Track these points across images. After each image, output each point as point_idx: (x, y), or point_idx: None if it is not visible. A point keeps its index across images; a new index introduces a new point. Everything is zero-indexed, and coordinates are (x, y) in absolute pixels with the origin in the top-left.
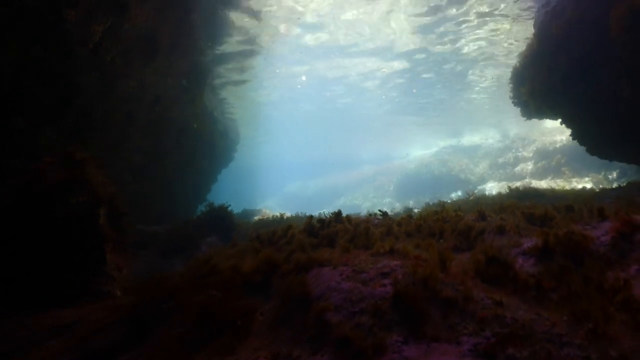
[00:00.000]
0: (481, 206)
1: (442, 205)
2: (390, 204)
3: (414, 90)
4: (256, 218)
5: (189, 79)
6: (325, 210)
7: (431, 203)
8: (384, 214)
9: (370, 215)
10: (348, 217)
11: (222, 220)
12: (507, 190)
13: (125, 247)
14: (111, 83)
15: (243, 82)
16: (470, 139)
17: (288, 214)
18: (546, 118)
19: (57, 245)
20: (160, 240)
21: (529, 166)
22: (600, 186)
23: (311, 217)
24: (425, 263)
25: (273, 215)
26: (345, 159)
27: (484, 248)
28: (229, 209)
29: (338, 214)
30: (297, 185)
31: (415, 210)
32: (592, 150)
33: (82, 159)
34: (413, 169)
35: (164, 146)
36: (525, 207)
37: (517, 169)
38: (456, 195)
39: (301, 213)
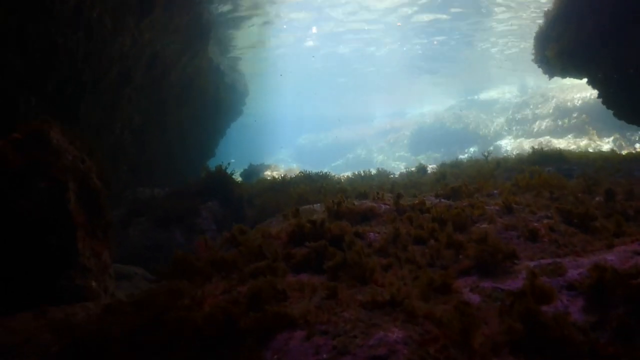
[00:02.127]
0: (503, 180)
1: (463, 182)
2: (404, 158)
3: (435, 42)
4: (267, 173)
5: (190, 33)
6: (339, 161)
7: (447, 162)
8: (398, 197)
9: (377, 196)
10: (350, 207)
11: (221, 185)
12: (528, 150)
13: (105, 228)
14: (101, 43)
15: (251, 29)
16: (487, 93)
17: (296, 168)
18: (571, 77)
19: (19, 240)
20: (158, 205)
21: (548, 123)
22: (624, 151)
23: (297, 211)
24: (439, 331)
25: (273, 177)
26: (359, 116)
27: (520, 310)
28: (229, 170)
29: (338, 206)
30: (310, 138)
31: (429, 169)
32: (619, 115)
33: (48, 132)
34: (427, 123)
35: (165, 104)
36: (555, 185)
37: (535, 125)
38: (472, 150)
39: (309, 171)
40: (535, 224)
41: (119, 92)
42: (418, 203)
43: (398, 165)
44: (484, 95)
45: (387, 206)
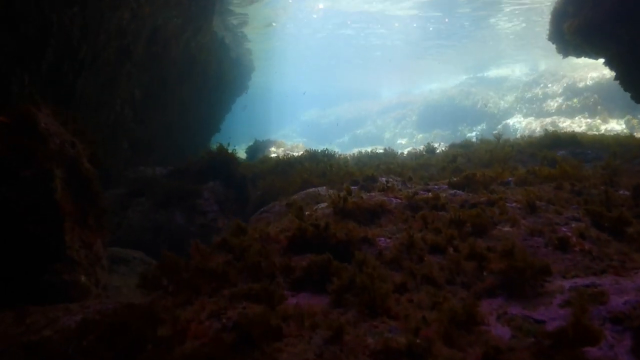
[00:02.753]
0: (516, 163)
1: (478, 169)
2: (412, 135)
3: (446, 20)
4: (272, 149)
5: (193, 7)
6: (345, 138)
7: (457, 142)
8: (409, 180)
9: (387, 186)
10: (358, 202)
11: (224, 164)
12: (539, 130)
13: (98, 216)
14: (98, 17)
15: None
16: (497, 71)
17: (301, 144)
18: (586, 57)
19: (2, 232)
20: (158, 185)
21: (558, 102)
22: (637, 133)
23: (301, 209)
24: None
25: (278, 156)
26: (365, 93)
27: None
28: (230, 150)
29: (344, 202)
30: (316, 113)
31: (440, 149)
32: (637, 97)
33: (36, 115)
34: (435, 99)
35: (167, 79)
36: (575, 176)
37: (545, 104)
38: (481, 128)
39: (314, 150)
40: (564, 229)
41: (119, 68)
42: (432, 197)
43: (405, 142)
44: (493, 73)
45: (399, 200)
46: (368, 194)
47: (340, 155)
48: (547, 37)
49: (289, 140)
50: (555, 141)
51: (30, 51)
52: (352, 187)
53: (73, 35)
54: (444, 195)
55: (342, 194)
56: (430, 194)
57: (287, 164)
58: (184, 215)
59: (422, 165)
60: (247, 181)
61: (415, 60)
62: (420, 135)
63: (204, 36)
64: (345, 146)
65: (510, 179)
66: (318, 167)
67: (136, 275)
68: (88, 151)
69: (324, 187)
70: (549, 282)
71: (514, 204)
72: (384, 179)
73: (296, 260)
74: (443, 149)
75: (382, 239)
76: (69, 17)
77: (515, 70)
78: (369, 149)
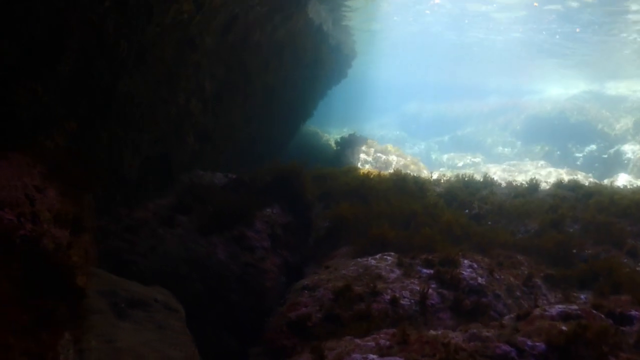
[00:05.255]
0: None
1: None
2: (514, 144)
3: (578, 30)
4: (362, 148)
5: None
6: (445, 137)
7: (565, 181)
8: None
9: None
10: None
11: (289, 184)
12: None
13: (72, 303)
14: (142, 13)
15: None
16: (615, 85)
17: (392, 148)
18: None
19: None
20: (209, 201)
21: None
22: None
23: None
24: None
25: (363, 174)
26: (471, 87)
27: None
28: (322, 134)
29: None
30: (415, 107)
31: (544, 181)
32: None
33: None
34: (545, 110)
35: (249, 68)
36: None
37: None
38: (590, 149)
39: (404, 174)
40: None
41: (181, 62)
42: None
43: (507, 152)
44: (612, 90)
45: None
46: None
47: (432, 176)
48: None
49: (386, 131)
50: None
51: (39, 57)
52: (423, 272)
53: (106, 33)
54: None
55: None
56: None
57: (370, 190)
58: (227, 248)
59: (520, 211)
60: (314, 207)
61: (530, 62)
62: (524, 149)
63: (296, 24)
64: (445, 146)
65: (634, 313)
66: (403, 209)
67: (153, 326)
68: (67, 214)
69: (391, 259)
70: None
71: None
72: (466, 262)
73: None
74: (547, 182)
75: None
76: (99, 14)
77: (637, 91)
78: (467, 160)
